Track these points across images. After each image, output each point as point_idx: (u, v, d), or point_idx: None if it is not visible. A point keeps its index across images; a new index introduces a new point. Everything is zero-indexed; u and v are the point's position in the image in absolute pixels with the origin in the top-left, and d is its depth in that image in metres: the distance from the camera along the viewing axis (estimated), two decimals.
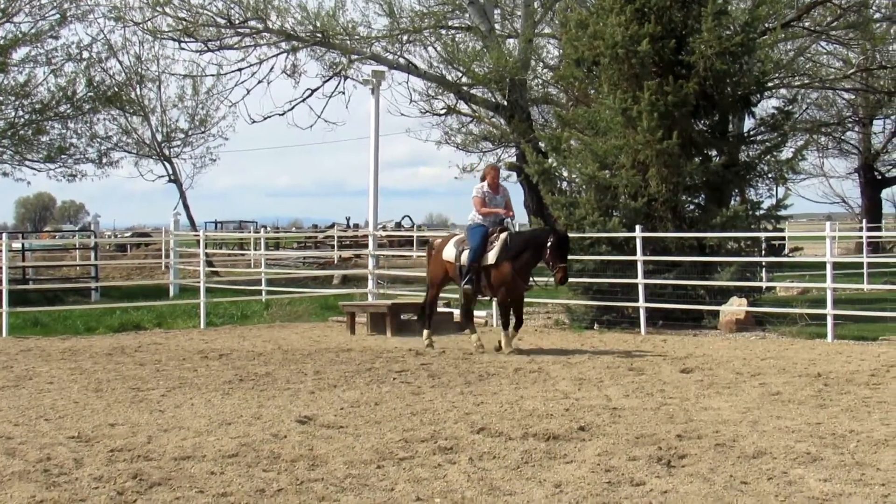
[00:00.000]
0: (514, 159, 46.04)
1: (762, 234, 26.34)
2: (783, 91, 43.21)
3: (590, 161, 25.62)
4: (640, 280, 23.42)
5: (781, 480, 9.92)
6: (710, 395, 14.82)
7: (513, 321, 20.18)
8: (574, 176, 27.25)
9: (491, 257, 19.71)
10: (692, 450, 11.15)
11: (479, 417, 13.16)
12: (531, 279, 20.15)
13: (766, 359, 18.69)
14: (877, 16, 48.46)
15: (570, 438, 11.81)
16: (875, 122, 57.78)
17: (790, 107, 31.14)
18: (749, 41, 26.21)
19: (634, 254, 23.63)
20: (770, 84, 34.27)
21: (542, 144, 31.97)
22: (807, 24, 45.18)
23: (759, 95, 28.25)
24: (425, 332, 21.09)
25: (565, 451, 11.16)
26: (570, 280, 25.42)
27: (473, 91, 44.85)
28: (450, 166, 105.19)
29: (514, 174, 44.37)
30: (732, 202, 25.89)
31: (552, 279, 19.87)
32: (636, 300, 23.68)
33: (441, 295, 23.25)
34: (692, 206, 26.14)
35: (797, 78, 48.33)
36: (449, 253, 20.48)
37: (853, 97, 55.03)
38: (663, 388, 15.48)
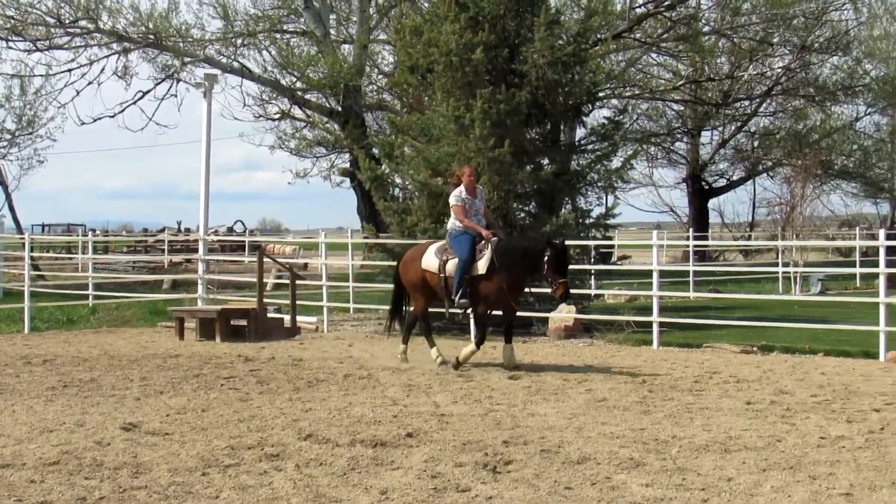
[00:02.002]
0: (347, 165, 46.00)
1: (591, 243, 26.66)
2: (614, 101, 43.99)
3: (422, 168, 25.66)
4: None
5: (605, 486, 10.04)
6: (537, 401, 14.93)
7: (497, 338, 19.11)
8: (407, 182, 27.29)
9: (481, 267, 18.00)
10: (518, 455, 11.22)
11: (307, 424, 13.10)
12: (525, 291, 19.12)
13: (592, 365, 18.92)
14: (706, 29, 49.56)
15: (397, 445, 11.81)
16: (703, 133, 58.99)
17: (620, 117, 31.68)
18: (581, 51, 26.59)
19: None
20: (601, 94, 34.82)
21: (375, 151, 31.94)
22: (638, 35, 46.00)
23: (590, 105, 28.65)
24: (434, 350, 18.97)
25: (392, 458, 11.15)
26: None
27: (308, 96, 44.85)
28: (283, 171, 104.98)
29: (348, 180, 44.37)
30: (563, 210, 26.11)
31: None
32: None
33: (270, 300, 23.03)
34: (523, 214, 26.31)
35: (628, 88, 49.17)
36: (430, 262, 18.66)
37: (682, 108, 56.11)
38: (491, 394, 15.56)
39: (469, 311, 19.01)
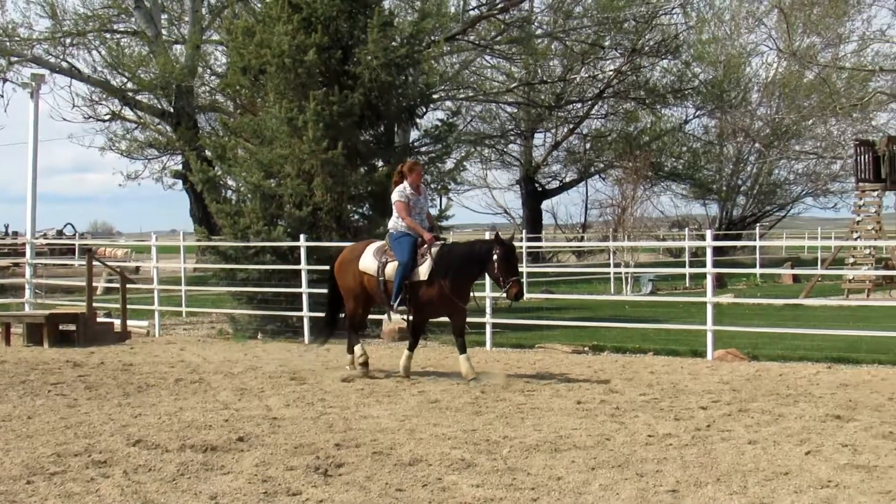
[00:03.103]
0: (180, 167, 45.54)
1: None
2: (448, 103, 44.17)
3: (255, 170, 25.48)
4: (305, 289, 23.44)
5: (435, 487, 10.08)
6: (370, 403, 14.93)
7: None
8: (239, 185, 27.08)
9: (423, 272, 16.81)
10: (350, 458, 11.21)
11: (136, 430, 12.90)
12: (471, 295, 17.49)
13: (425, 366, 18.95)
14: (539, 32, 50.05)
15: (228, 449, 11.70)
16: (536, 135, 59.54)
17: (454, 119, 31.80)
18: (414, 53, 26.66)
19: (299, 263, 23.64)
20: (435, 96, 35.02)
21: (207, 152, 31.65)
22: (472, 38, 46.24)
23: (423, 107, 28.69)
24: (357, 348, 17.87)
25: (223, 463, 11.06)
26: (234, 289, 25.41)
27: (139, 97, 44.38)
28: (114, 173, 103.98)
29: (180, 182, 43.93)
30: None
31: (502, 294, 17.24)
32: (300, 309, 23.69)
33: (100, 305, 22.54)
34: (357, 216, 26.28)
35: (462, 91, 49.45)
36: (368, 264, 17.37)
37: (515, 110, 56.59)
38: (324, 397, 15.52)
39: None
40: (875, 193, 35.29)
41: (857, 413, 13.85)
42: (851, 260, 36.17)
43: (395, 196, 17.41)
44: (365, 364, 17.69)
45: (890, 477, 10.40)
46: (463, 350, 17.11)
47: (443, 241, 17.61)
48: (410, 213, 17.26)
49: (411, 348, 17.49)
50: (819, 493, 9.76)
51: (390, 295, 17.18)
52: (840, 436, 12.36)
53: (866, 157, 34.87)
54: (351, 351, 18.07)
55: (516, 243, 19.91)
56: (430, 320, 18.58)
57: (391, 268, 17.10)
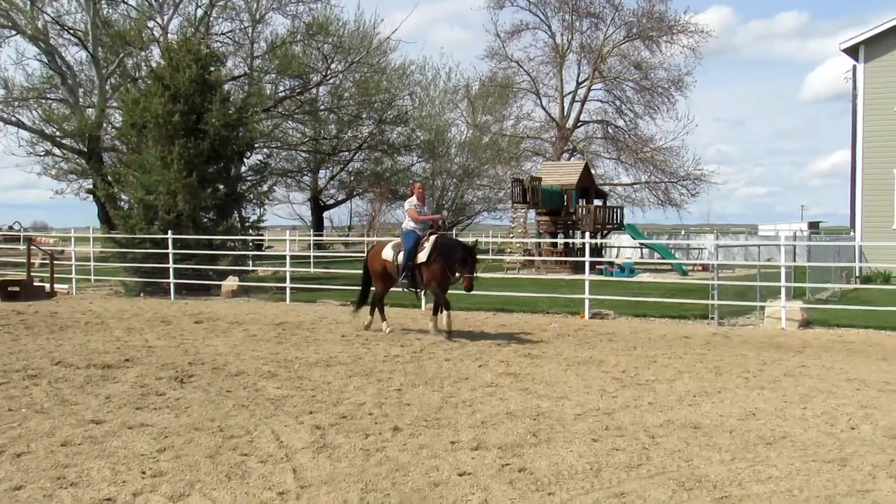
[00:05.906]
0: (91, 186, 43.57)
1: (250, 238, 26.29)
2: (265, 150, 43.31)
3: (140, 189, 24.58)
4: (171, 265, 22.74)
5: (252, 388, 9.95)
6: (212, 337, 14.61)
7: (434, 309, 15.67)
8: (129, 199, 26.09)
9: (422, 257, 14.79)
10: (197, 371, 10.97)
11: (58, 354, 12.35)
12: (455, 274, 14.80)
13: (249, 314, 18.59)
14: (322, 107, 49.83)
15: (118, 367, 11.30)
16: (321, 171, 59.03)
17: (268, 159, 31.51)
18: (243, 118, 26.29)
19: (167, 248, 22.92)
20: (256, 145, 34.34)
21: (109, 178, 30.40)
22: (280, 109, 45.75)
23: (249, 152, 28.28)
24: (384, 324, 15.68)
25: (115, 375, 10.68)
26: (125, 265, 24.45)
27: (64, 141, 42.22)
28: (47, 189, 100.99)
29: (91, 196, 42.01)
30: (232, 217, 25.72)
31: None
32: (167, 278, 22.95)
33: (36, 274, 21.37)
34: (206, 219, 25.60)
35: (274, 142, 48.75)
36: (387, 254, 15.42)
37: (307, 155, 56.01)
38: (182, 333, 15.11)
39: (423, 291, 15.99)
40: (523, 210, 36.17)
41: (510, 342, 14.22)
42: (509, 250, 37.11)
43: (407, 205, 15.50)
44: (367, 327, 15.81)
45: (527, 380, 10.74)
46: (436, 311, 15.47)
47: (437, 234, 15.40)
48: (419, 214, 15.31)
49: (447, 309, 14.97)
50: (486, 390, 10.02)
51: (400, 272, 15.40)
52: (500, 355, 12.71)
53: (518, 188, 35.62)
54: (381, 315, 15.94)
55: (306, 237, 19.51)
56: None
57: (401, 255, 15.15)
